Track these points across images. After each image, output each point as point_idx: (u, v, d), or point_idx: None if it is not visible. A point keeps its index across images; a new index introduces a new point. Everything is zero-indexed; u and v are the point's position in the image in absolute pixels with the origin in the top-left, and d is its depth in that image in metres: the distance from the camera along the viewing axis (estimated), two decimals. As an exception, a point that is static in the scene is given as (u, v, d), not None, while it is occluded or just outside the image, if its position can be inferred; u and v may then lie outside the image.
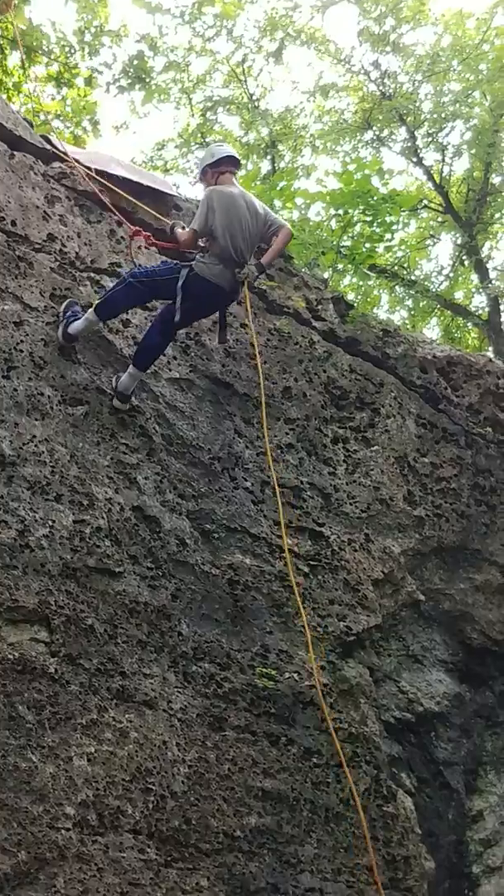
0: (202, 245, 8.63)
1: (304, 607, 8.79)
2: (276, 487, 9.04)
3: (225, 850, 7.13)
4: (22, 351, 7.93)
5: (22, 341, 7.97)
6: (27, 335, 8.04)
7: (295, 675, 8.38)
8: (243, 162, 23.64)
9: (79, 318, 8.13)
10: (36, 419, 7.71)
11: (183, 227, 8.92)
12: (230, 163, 8.81)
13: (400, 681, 9.81)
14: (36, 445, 7.56)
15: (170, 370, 9.08)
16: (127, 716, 7.01)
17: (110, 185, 9.54)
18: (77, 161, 9.61)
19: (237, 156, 8.98)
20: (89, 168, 9.62)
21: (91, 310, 8.13)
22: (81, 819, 6.37)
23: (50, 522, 7.30)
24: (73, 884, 6.14)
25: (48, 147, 9.57)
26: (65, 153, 9.62)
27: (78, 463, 7.82)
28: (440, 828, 9.64)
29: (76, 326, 8.09)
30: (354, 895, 7.82)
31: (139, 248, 9.49)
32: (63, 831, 6.23)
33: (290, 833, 7.62)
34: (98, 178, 9.58)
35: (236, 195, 8.48)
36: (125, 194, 9.62)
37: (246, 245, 8.40)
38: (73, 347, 8.23)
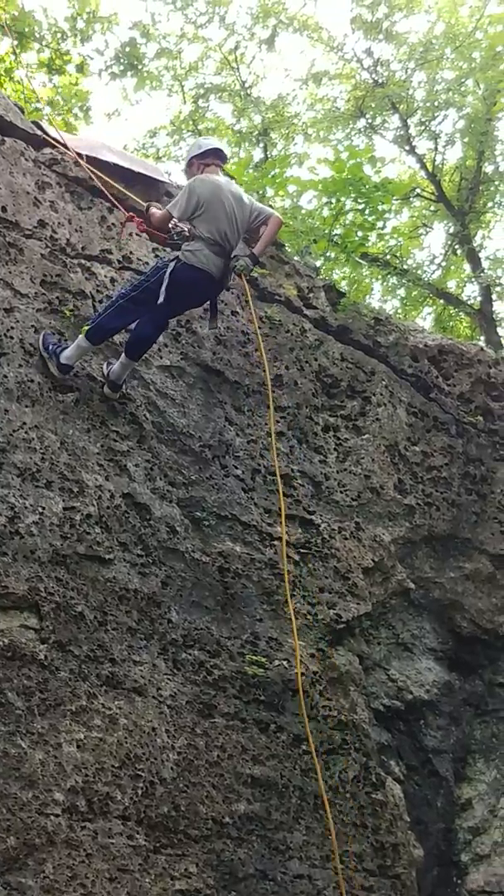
0: (186, 234, 8.53)
1: (293, 595, 8.82)
2: (279, 476, 9.05)
3: (214, 837, 7.15)
4: (12, 338, 7.90)
5: (12, 328, 7.94)
6: (17, 322, 8.01)
7: (285, 662, 8.40)
8: (235, 150, 23.72)
9: (66, 347, 7.94)
10: (26, 406, 7.70)
11: (159, 208, 8.85)
12: (216, 155, 8.71)
13: (389, 669, 9.84)
14: (26, 432, 7.55)
15: (160, 357, 9.06)
16: (116, 702, 7.02)
17: (100, 175, 9.49)
18: (68, 147, 9.57)
19: (224, 149, 8.91)
20: (80, 154, 9.59)
21: (81, 336, 7.93)
22: (70, 805, 6.38)
23: (40, 509, 7.29)
24: (62, 869, 6.15)
25: (39, 133, 9.52)
26: (56, 139, 9.58)
27: (68, 450, 7.81)
28: (429, 815, 9.68)
29: (68, 355, 7.88)
30: (343, 882, 7.84)
31: (130, 234, 9.48)
32: (52, 817, 6.24)
33: (279, 820, 7.64)
34: (88, 164, 9.54)
35: (221, 182, 8.35)
36: (114, 183, 9.58)
37: (232, 231, 8.25)
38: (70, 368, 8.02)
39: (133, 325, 8.25)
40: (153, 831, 6.80)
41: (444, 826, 9.87)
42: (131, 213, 8.82)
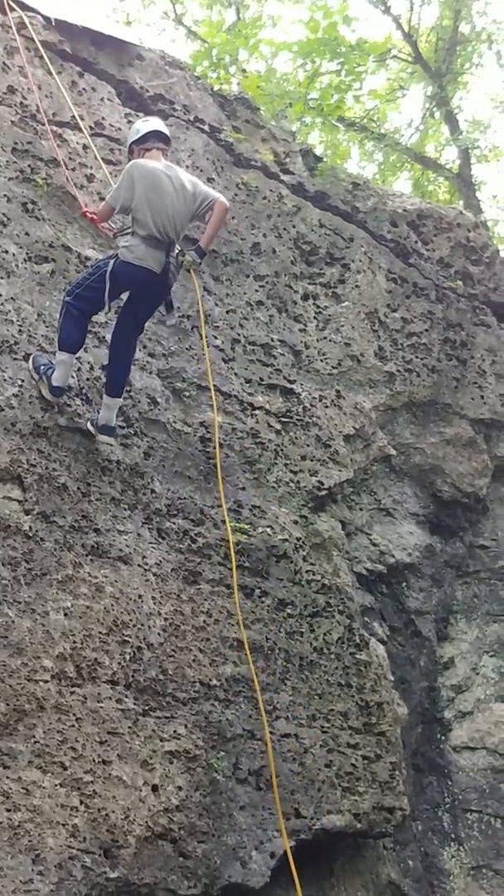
0: (121, 228, 7.96)
1: (275, 464, 8.87)
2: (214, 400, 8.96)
3: (201, 699, 7.28)
4: (-16, 208, 7.77)
5: (-16, 198, 7.80)
6: (-11, 191, 7.87)
7: (268, 529, 8.47)
8: (207, 13, 23.06)
9: (52, 367, 7.46)
10: (1, 278, 7.59)
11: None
12: (157, 138, 7.86)
13: (371, 533, 9.96)
14: (2, 304, 7.46)
15: (136, 226, 8.91)
16: (102, 571, 7.07)
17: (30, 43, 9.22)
18: (37, 11, 9.29)
19: (165, 131, 7.99)
20: (48, 17, 9.31)
21: (57, 351, 7.44)
22: (59, 671, 6.47)
23: (19, 382, 7.25)
24: (53, 734, 6.26)
25: (5, -4, 9.20)
26: (23, 2, 9.27)
27: (45, 322, 7.73)
28: (412, 675, 9.89)
29: (58, 377, 7.42)
30: (329, 740, 8.03)
31: (101, 99, 9.26)
32: (41, 683, 6.32)
33: (266, 681, 7.77)
34: (56, 28, 9.26)
35: (159, 170, 7.58)
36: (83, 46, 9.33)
37: (171, 223, 7.52)
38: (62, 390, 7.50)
39: (107, 361, 7.82)
40: (142, 695, 6.91)
41: (427, 685, 10.10)
42: (85, 211, 8.24)
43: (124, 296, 7.57)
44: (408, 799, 8.61)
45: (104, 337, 8.09)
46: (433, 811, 9.74)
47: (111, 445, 7.69)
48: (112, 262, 7.45)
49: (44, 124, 8.66)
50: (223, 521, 8.19)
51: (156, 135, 7.85)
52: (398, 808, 8.39)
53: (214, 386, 8.80)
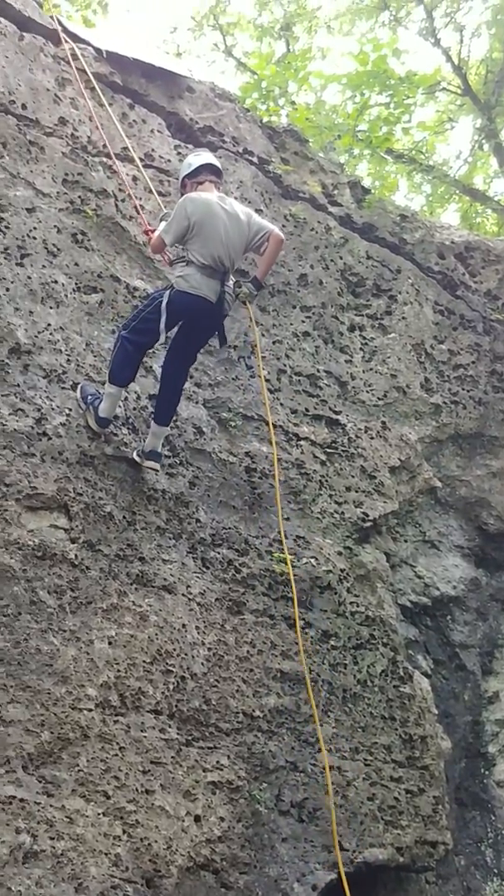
0: (177, 257, 7.96)
1: (319, 494, 8.86)
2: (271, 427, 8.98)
3: (244, 730, 7.27)
4: (35, 238, 7.84)
5: (35, 228, 7.88)
6: (40, 222, 7.95)
7: (312, 560, 8.46)
8: (257, 45, 23.25)
9: (100, 398, 7.46)
10: (50, 307, 7.67)
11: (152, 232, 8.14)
12: (209, 171, 7.89)
13: (416, 566, 9.92)
14: (51, 334, 7.53)
15: (184, 257, 8.98)
16: (147, 600, 7.09)
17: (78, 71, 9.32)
18: (89, 43, 9.41)
19: (217, 164, 8.02)
20: (100, 49, 9.43)
21: (107, 383, 7.47)
22: (103, 700, 6.49)
23: (67, 411, 7.31)
24: (96, 763, 6.27)
25: (58, 28, 9.32)
26: (76, 34, 9.40)
27: (93, 351, 7.80)
28: (456, 709, 9.82)
29: (104, 408, 7.40)
30: (372, 773, 7.99)
31: (151, 131, 9.36)
32: (85, 712, 6.34)
33: (309, 713, 7.75)
34: (108, 59, 9.37)
35: (213, 201, 7.60)
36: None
37: (226, 252, 7.53)
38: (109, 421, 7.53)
39: (155, 391, 7.88)
40: (185, 725, 6.91)
41: (471, 719, 10.02)
42: (147, 230, 8.21)
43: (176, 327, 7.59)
44: (451, 833, 8.54)
45: (151, 367, 8.15)
46: (476, 846, 9.64)
47: (156, 472, 7.71)
48: (168, 292, 7.47)
49: (108, 156, 8.76)
50: (282, 557, 8.22)
51: (208, 168, 7.90)
52: (441, 843, 8.32)
53: (259, 416, 8.83)
